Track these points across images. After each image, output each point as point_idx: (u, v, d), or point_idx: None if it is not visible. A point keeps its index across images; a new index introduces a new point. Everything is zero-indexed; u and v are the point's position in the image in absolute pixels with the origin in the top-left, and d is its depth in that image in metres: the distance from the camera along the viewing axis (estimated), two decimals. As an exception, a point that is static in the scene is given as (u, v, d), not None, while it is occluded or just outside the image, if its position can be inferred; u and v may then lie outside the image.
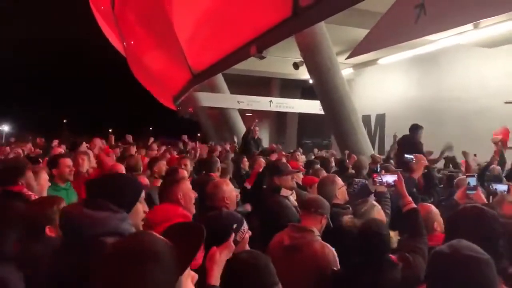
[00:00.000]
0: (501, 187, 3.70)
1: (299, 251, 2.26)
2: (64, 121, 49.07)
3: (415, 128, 6.46)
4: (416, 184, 4.18)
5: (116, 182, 1.83)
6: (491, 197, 3.75)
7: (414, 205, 2.71)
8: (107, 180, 1.88)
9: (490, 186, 3.83)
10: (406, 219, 2.64)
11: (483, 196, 3.34)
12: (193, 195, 2.52)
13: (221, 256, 1.87)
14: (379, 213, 2.76)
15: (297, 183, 4.60)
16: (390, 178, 3.28)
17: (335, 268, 2.41)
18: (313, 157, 8.21)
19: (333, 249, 2.50)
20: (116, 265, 0.93)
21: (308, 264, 2.39)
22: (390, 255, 2.25)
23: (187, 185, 2.54)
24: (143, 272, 0.92)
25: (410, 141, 6.22)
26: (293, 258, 2.35)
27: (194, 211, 2.46)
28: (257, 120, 9.34)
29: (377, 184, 3.56)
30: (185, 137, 10.02)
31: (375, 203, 2.83)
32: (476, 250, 1.39)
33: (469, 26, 8.85)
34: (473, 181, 5.33)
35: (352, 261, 2.29)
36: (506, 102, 10.30)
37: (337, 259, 2.47)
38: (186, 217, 2.32)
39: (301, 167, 5.19)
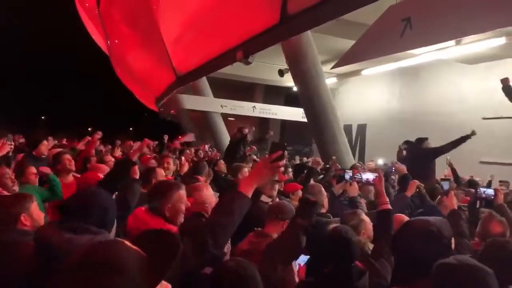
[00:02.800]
0: (488, 192, 3.75)
1: (252, 255, 2.24)
2: (42, 117, 47.87)
3: (420, 141, 6.79)
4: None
5: (97, 202, 1.74)
6: (478, 201, 3.80)
7: (389, 207, 2.61)
8: (85, 199, 1.76)
9: (478, 190, 3.87)
10: (379, 218, 2.58)
11: (454, 200, 3.31)
12: (183, 206, 2.31)
13: (262, 170, 1.80)
14: (366, 227, 2.72)
15: (279, 190, 4.60)
16: (370, 176, 3.29)
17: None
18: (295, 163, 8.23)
19: None
20: (78, 277, 0.85)
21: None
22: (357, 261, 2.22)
23: (178, 195, 2.31)
24: (107, 286, 0.84)
25: (419, 152, 6.50)
26: None
27: (181, 221, 2.29)
28: (253, 128, 9.45)
29: (355, 180, 3.63)
30: (165, 137, 9.77)
31: (364, 217, 2.79)
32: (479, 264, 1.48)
33: (451, 42, 9.06)
34: (446, 185, 5.44)
35: (322, 269, 2.26)
36: (484, 118, 10.57)
37: None
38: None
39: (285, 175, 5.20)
